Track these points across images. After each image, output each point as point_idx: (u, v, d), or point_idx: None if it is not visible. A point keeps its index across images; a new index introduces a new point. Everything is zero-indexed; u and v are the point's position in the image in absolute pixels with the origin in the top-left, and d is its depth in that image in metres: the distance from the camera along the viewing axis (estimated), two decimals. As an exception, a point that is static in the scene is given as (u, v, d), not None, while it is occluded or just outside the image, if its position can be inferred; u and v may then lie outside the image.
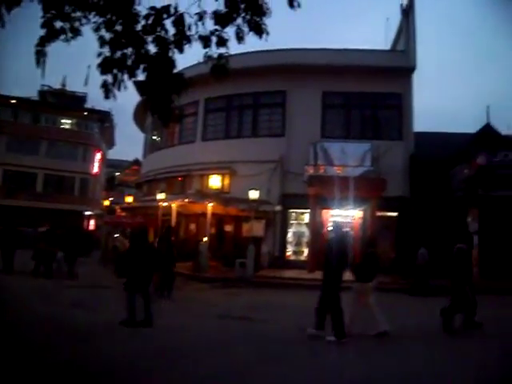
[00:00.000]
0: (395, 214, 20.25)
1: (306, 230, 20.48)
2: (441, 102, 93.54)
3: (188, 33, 5.20)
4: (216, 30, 5.23)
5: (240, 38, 5.25)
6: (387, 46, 25.08)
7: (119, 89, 5.23)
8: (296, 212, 21.01)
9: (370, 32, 31.58)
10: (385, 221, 19.94)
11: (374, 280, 8.27)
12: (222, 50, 5.35)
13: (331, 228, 9.13)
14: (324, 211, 20.44)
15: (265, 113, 22.33)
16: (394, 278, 17.26)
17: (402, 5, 22.64)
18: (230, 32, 5.26)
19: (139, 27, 5.15)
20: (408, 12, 22.09)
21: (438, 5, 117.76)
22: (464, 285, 8.80)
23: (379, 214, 19.39)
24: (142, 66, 5.30)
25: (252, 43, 6.02)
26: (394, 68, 21.14)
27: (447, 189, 19.41)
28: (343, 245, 8.28)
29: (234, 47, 5.46)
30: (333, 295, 7.77)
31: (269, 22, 5.26)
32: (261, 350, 6.83)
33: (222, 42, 5.28)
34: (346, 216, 20.78)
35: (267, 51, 21.29)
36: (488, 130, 20.26)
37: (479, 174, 18.12)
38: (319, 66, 21.00)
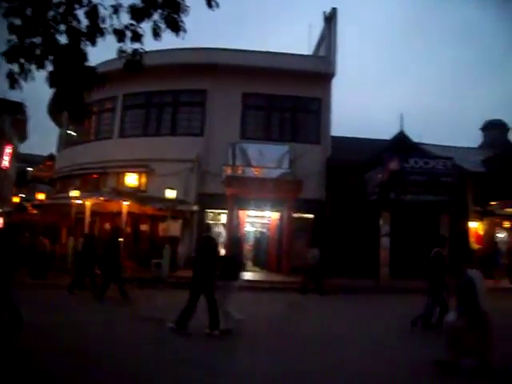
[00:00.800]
0: (311, 215, 20.86)
1: (222, 231, 20.63)
2: (358, 108, 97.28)
3: (102, 25, 5.16)
4: (131, 24, 5.24)
5: (156, 34, 5.26)
6: (310, 52, 25.76)
7: (26, 79, 5.10)
8: (213, 212, 21.15)
9: (293, 37, 32.26)
10: (301, 222, 20.50)
11: (238, 279, 8.89)
12: (137, 46, 5.39)
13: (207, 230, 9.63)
14: (241, 212, 20.74)
15: (184, 111, 22.32)
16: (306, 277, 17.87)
17: (324, 12, 23.38)
18: (146, 28, 5.30)
19: (50, 15, 5.04)
20: (330, 19, 22.85)
21: (360, 14, 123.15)
22: (441, 287, 9.36)
23: (295, 215, 19.95)
24: (51, 57, 5.20)
25: (176, 40, 6.01)
26: (315, 73, 21.82)
27: (362, 192, 20.30)
28: (211, 247, 8.58)
29: (155, 43, 5.45)
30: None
31: (192, 22, 5.32)
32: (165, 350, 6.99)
33: (136, 37, 5.31)
34: (262, 217, 21.20)
35: (189, 49, 21.41)
36: (401, 138, 21.36)
37: (392, 179, 19.11)
38: (241, 66, 21.28)
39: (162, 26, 5.23)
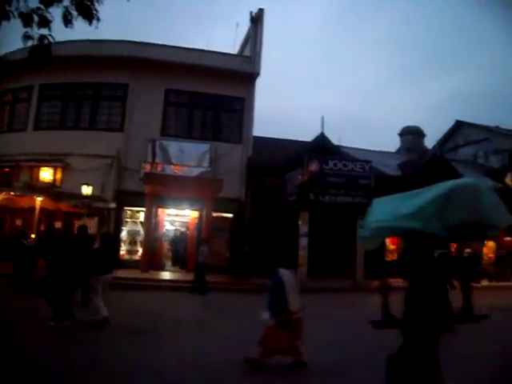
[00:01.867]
0: (231, 215, 21.18)
1: (141, 229, 20.58)
2: (284, 109, 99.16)
3: (7, 8, 4.90)
4: (39, 8, 4.98)
5: (67, 20, 5.04)
6: (235, 51, 26.04)
7: None
8: (131, 210, 21.02)
9: (221, 36, 32.46)
10: (221, 221, 20.78)
11: (109, 274, 9.51)
12: (45, 32, 5.12)
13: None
14: (160, 210, 20.75)
15: (105, 105, 21.98)
16: (227, 277, 18.27)
17: (251, 12, 23.71)
18: (56, 13, 5.04)
19: None
20: (257, 20, 23.24)
21: (290, 15, 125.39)
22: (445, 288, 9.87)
23: (215, 214, 20.19)
24: None
25: (100, 31, 5.81)
26: (239, 73, 22.20)
27: (282, 192, 20.83)
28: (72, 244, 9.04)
29: (78, 33, 5.22)
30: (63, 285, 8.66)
31: (120, 16, 5.16)
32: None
33: (44, 23, 5.03)
34: (182, 216, 21.28)
35: (111, 41, 21.26)
36: (322, 140, 22.09)
37: (311, 180, 19.72)
38: (164, 62, 21.29)
39: (74, 12, 5.03)
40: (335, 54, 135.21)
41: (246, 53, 24.21)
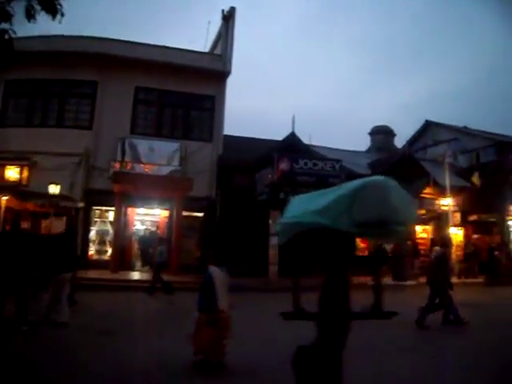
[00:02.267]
0: (201, 214, 21.20)
1: (110, 229, 20.45)
2: (256, 108, 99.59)
3: None
4: (0, 2, 5.00)
5: (30, 15, 5.00)
6: (207, 49, 26.06)
7: None
8: (100, 209, 20.87)
9: (192, 33, 32.42)
10: (191, 221, 20.79)
11: (70, 272, 9.60)
12: (6, 26, 5.10)
13: None
14: (130, 209, 20.65)
15: (73, 103, 21.72)
16: (196, 276, 18.23)
17: (223, 10, 23.76)
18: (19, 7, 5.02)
19: None
20: (228, 18, 23.30)
21: (261, 15, 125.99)
22: (444, 285, 10.60)
23: (185, 213, 20.19)
24: None
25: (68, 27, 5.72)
26: (210, 71, 22.27)
27: (252, 191, 20.93)
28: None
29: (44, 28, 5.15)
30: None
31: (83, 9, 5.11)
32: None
33: (5, 17, 5.02)
34: (152, 215, 21.22)
35: (80, 37, 21.11)
36: (292, 139, 22.25)
37: (281, 179, 19.86)
38: (134, 59, 21.21)
39: (37, 7, 5.01)
40: (308, 54, 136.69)
41: (218, 51, 24.27)
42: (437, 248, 11.93)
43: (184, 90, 22.05)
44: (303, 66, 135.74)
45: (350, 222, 3.91)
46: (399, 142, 32.40)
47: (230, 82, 23.28)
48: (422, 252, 24.75)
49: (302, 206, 4.45)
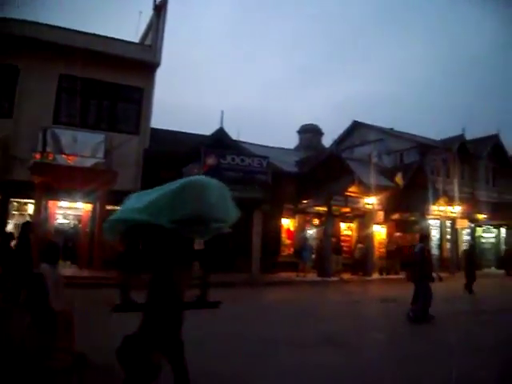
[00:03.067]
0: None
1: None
2: (185, 102, 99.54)
3: None
4: None
5: None
6: (137, 39, 25.71)
7: None
8: (19, 202, 20.22)
9: (122, 23, 31.91)
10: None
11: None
12: None
13: None
14: (51, 202, 20.12)
15: (-8, 88, 20.85)
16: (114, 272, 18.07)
17: (155, 0, 23.52)
18: None
19: None
20: (160, 8, 23.11)
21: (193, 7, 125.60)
22: (424, 279, 11.13)
23: (109, 207, 19.87)
24: None
25: None
26: (139, 62, 22.04)
27: (179, 187, 20.86)
28: None
29: None
30: None
31: None
32: None
33: None
34: (75, 208, 20.80)
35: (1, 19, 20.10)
36: (220, 134, 22.45)
37: (208, 174, 19.88)
38: (59, 45, 20.44)
39: None
40: (241, 53, 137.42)
41: (148, 42, 24.03)
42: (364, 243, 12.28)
43: (111, 81, 21.69)
44: (236, 63, 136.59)
45: (169, 218, 4.12)
46: (327, 141, 33.35)
47: (161, 75, 23.16)
48: (346, 249, 25.67)
49: (129, 204, 4.60)
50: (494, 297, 16.51)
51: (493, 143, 35.89)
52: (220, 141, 22.08)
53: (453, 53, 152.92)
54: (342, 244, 25.69)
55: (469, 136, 34.28)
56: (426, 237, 13.16)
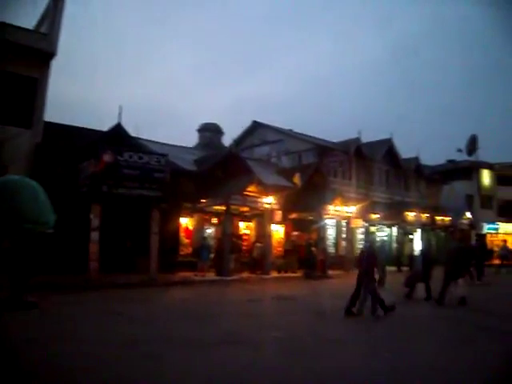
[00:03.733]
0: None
1: None
2: (79, 94, 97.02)
3: None
4: None
5: None
6: (32, 26, 24.67)
7: None
8: None
9: (17, 8, 30.39)
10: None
11: None
12: None
13: None
14: None
15: None
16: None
17: (54, -14, 22.71)
18: None
19: None
20: (58, -5, 22.32)
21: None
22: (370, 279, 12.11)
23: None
24: None
25: None
26: (33, 50, 21.11)
27: (74, 183, 20.38)
28: None
29: None
30: None
31: None
32: None
33: None
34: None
35: None
36: (118, 130, 22.15)
37: (105, 172, 19.65)
38: None
39: None
40: (150, 45, 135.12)
41: (44, 30, 23.12)
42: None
43: (1, 69, 20.65)
44: (137, 60, 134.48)
45: None
46: (228, 140, 33.96)
47: (59, 66, 22.41)
48: (244, 248, 26.24)
49: None
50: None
51: (387, 146, 38.17)
52: (118, 137, 21.74)
53: (351, 57, 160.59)
54: (241, 243, 26.21)
55: (365, 139, 36.38)
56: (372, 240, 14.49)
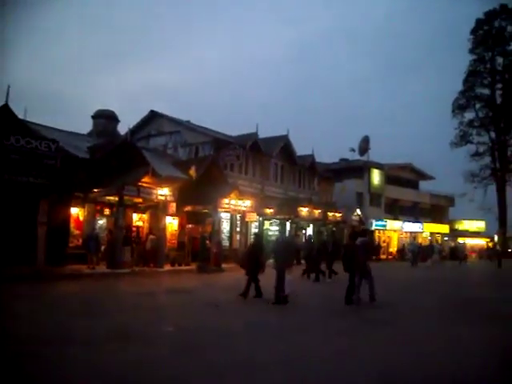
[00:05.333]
0: None
1: None
2: None
3: None
4: None
5: None
6: None
7: None
8: None
9: None
10: None
11: None
12: None
13: None
14: None
15: None
16: None
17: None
18: None
19: None
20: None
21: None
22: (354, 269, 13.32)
23: None
24: None
25: None
26: None
27: None
28: None
29: None
30: None
31: None
32: None
33: None
34: None
35: None
36: (5, 112, 21.16)
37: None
38: None
39: None
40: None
41: None
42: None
43: None
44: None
45: None
46: (124, 128, 33.45)
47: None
48: (138, 240, 26.16)
49: None
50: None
51: (283, 143, 39.52)
52: (4, 119, 20.80)
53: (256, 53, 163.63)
54: (134, 235, 26.10)
55: (265, 134, 37.49)
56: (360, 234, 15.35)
